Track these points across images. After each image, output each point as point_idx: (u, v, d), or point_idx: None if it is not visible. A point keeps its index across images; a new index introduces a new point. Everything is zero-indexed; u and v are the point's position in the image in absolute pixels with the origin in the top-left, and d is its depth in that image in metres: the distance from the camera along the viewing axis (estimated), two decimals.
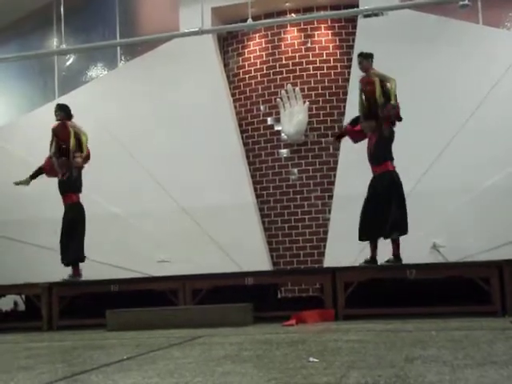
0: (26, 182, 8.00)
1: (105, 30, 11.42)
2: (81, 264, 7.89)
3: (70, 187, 7.85)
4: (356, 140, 7.42)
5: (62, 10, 10.87)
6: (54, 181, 8.01)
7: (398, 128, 9.37)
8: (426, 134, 9.35)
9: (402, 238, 6.93)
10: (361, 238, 7.09)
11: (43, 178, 8.13)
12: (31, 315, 7.68)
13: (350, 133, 7.44)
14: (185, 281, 7.00)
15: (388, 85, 7.01)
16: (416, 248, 7.54)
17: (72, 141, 7.77)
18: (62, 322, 7.24)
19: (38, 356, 4.50)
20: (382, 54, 9.60)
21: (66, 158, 7.83)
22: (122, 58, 11.48)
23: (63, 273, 7.85)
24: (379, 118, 7.00)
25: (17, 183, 8.00)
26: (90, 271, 7.97)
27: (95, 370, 3.59)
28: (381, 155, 6.98)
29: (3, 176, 10.67)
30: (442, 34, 9.56)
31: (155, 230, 10.09)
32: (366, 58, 7.15)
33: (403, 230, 6.90)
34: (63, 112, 7.95)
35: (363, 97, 7.19)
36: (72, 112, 8.01)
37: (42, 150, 10.62)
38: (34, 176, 8.05)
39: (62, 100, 11.18)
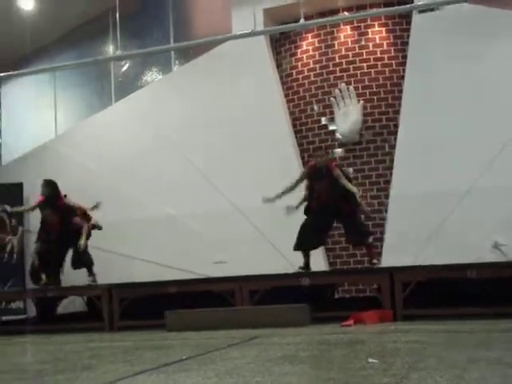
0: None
1: (159, 35, 11.57)
2: (138, 265, 8.13)
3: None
4: None
5: (117, 16, 11.09)
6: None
7: (458, 126, 9.23)
8: (486, 130, 9.10)
9: (462, 236, 6.83)
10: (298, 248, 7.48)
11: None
12: (93, 316, 7.86)
13: None
14: (241, 282, 7.04)
15: None
16: (477, 247, 7.36)
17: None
18: (123, 322, 7.38)
19: (100, 356, 4.60)
20: (438, 50, 9.49)
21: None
22: (176, 62, 11.62)
23: (118, 275, 8.03)
24: None
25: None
26: (148, 273, 8.11)
27: (155, 369, 3.65)
28: None
29: (66, 183, 10.97)
30: (503, 29, 9.17)
31: (211, 231, 10.14)
32: None
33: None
34: (50, 188, 8.00)
35: None
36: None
37: (100, 154, 10.98)
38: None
39: (119, 105, 11.46)
